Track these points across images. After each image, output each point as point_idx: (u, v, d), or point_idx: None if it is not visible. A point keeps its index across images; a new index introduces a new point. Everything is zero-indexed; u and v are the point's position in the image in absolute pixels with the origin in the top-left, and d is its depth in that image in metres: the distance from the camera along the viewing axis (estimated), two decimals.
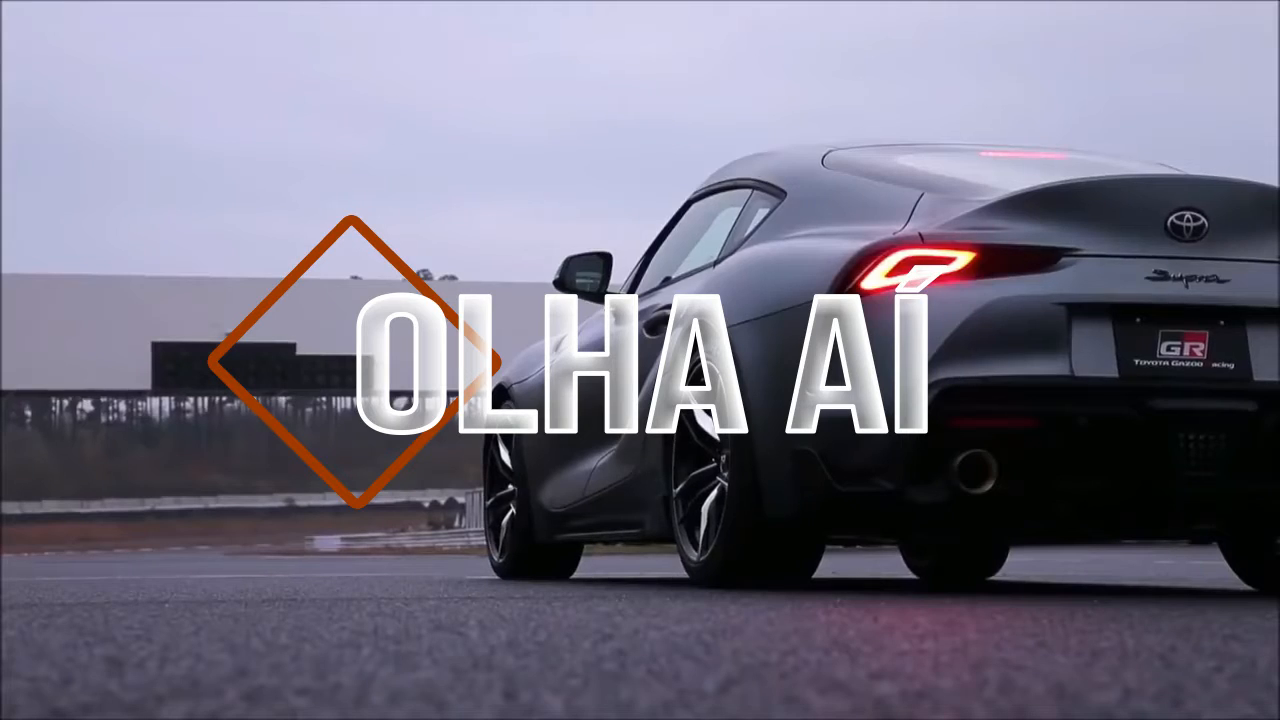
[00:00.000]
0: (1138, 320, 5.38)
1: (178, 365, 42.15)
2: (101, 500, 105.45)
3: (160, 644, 3.26)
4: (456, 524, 61.42)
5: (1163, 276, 5.38)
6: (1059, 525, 6.26)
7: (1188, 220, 5.39)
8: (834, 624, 3.80)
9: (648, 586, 6.53)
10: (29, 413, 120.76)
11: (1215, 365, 5.40)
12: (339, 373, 42.87)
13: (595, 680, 2.46)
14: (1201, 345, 5.41)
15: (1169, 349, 5.40)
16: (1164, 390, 5.34)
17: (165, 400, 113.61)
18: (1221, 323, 5.42)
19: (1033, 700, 2.23)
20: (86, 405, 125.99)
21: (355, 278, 63.00)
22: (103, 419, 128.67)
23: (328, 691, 2.33)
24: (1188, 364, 5.39)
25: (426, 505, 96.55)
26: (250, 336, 42.02)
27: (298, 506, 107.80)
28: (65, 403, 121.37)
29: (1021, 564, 14.35)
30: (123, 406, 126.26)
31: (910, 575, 8.17)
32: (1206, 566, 13.44)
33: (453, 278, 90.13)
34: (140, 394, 60.30)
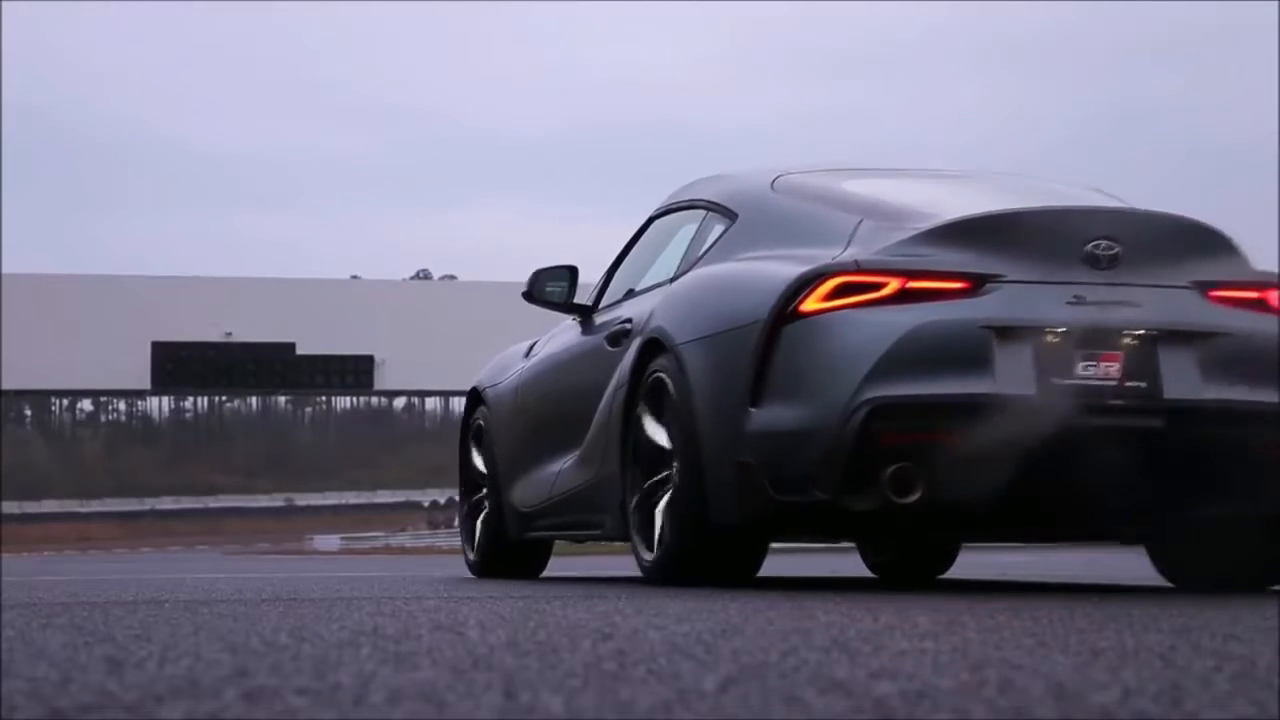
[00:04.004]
0: (1056, 342, 5.72)
1: (177, 365, 42.15)
2: (101, 500, 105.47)
3: (160, 644, 3.26)
4: (456, 524, 61.40)
5: (1080, 301, 5.75)
6: (983, 532, 7.20)
7: (1103, 249, 5.79)
8: (834, 624, 3.81)
9: (620, 585, 6.56)
10: (29, 412, 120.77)
11: (1128, 384, 5.77)
12: (339, 373, 42.87)
13: (595, 680, 2.46)
14: (1115, 365, 5.77)
15: (1085, 369, 5.75)
16: (1080, 407, 5.67)
17: (165, 400, 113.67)
18: (1134, 344, 5.77)
19: (1033, 700, 2.23)
20: (86, 405, 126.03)
21: (355, 277, 63.06)
22: (102, 419, 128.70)
23: (327, 691, 2.33)
24: (1102, 383, 5.75)
25: (426, 505, 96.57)
26: (250, 336, 42.10)
27: (297, 506, 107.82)
28: (65, 402, 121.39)
29: (1021, 564, 14.36)
30: (122, 406, 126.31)
31: (869, 574, 8.57)
32: None
33: (452, 277, 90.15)
34: (140, 394, 60.28)
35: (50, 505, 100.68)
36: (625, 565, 9.72)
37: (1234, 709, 2.16)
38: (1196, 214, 6.15)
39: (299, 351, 41.98)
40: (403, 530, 68.26)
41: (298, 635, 3.48)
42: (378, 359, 41.84)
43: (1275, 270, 6.14)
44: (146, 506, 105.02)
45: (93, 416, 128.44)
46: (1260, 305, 5.97)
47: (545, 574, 8.51)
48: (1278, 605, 4.85)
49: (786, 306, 5.80)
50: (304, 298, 43.02)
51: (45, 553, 49.93)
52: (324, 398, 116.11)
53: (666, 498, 6.26)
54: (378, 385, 43.97)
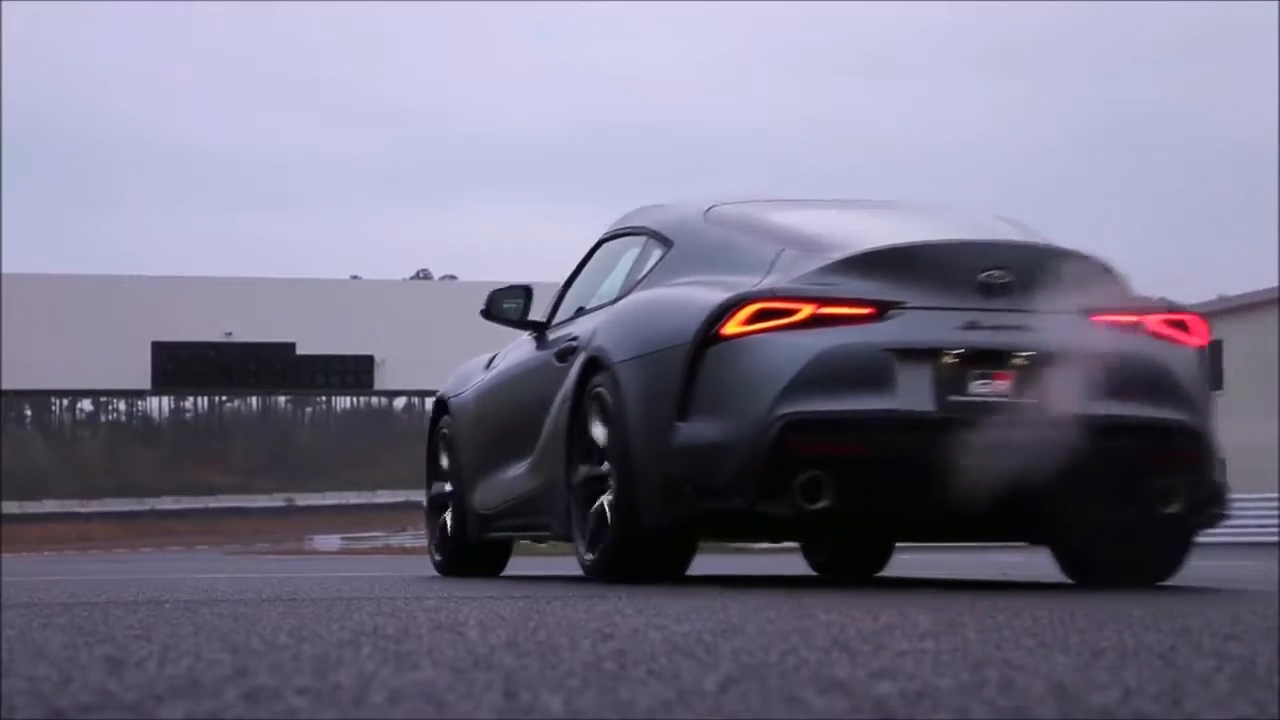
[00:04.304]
0: (953, 363, 6.34)
1: (178, 365, 42.14)
2: (101, 500, 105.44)
3: (160, 643, 3.26)
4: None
5: (974, 326, 6.37)
6: (888, 534, 8.08)
7: (995, 278, 6.40)
8: (834, 624, 3.81)
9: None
10: (29, 412, 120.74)
11: (1017, 400, 6.35)
12: (339, 373, 42.85)
13: (595, 680, 2.46)
14: (1006, 383, 6.39)
15: (979, 387, 6.38)
16: (973, 423, 6.25)
17: (165, 400, 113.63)
18: (1024, 364, 6.38)
19: (1033, 700, 2.23)
20: (86, 405, 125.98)
21: (355, 277, 63.06)
22: (102, 418, 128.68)
23: (327, 691, 2.33)
24: (994, 399, 6.36)
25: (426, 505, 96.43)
26: (250, 336, 42.11)
27: (297, 506, 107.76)
28: (65, 402, 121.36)
29: (1020, 563, 14.35)
30: (122, 406, 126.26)
31: (810, 571, 9.20)
32: (1205, 567, 13.43)
33: (452, 277, 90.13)
34: (140, 394, 60.25)
35: (50, 505, 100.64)
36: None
37: (1234, 709, 2.16)
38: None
39: (299, 351, 41.97)
40: (403, 530, 68.23)
41: (298, 635, 3.48)
42: (378, 359, 41.84)
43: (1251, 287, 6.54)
44: (146, 506, 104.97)
45: (93, 416, 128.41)
46: (1138, 328, 6.63)
47: (504, 572, 9.02)
48: (1278, 605, 4.86)
49: (710, 330, 6.41)
50: (304, 298, 43.01)
51: (45, 553, 49.92)
52: (324, 398, 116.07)
53: (604, 503, 6.84)
54: (378, 385, 43.96)
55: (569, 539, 7.28)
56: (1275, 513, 30.54)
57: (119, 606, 4.99)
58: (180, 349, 41.86)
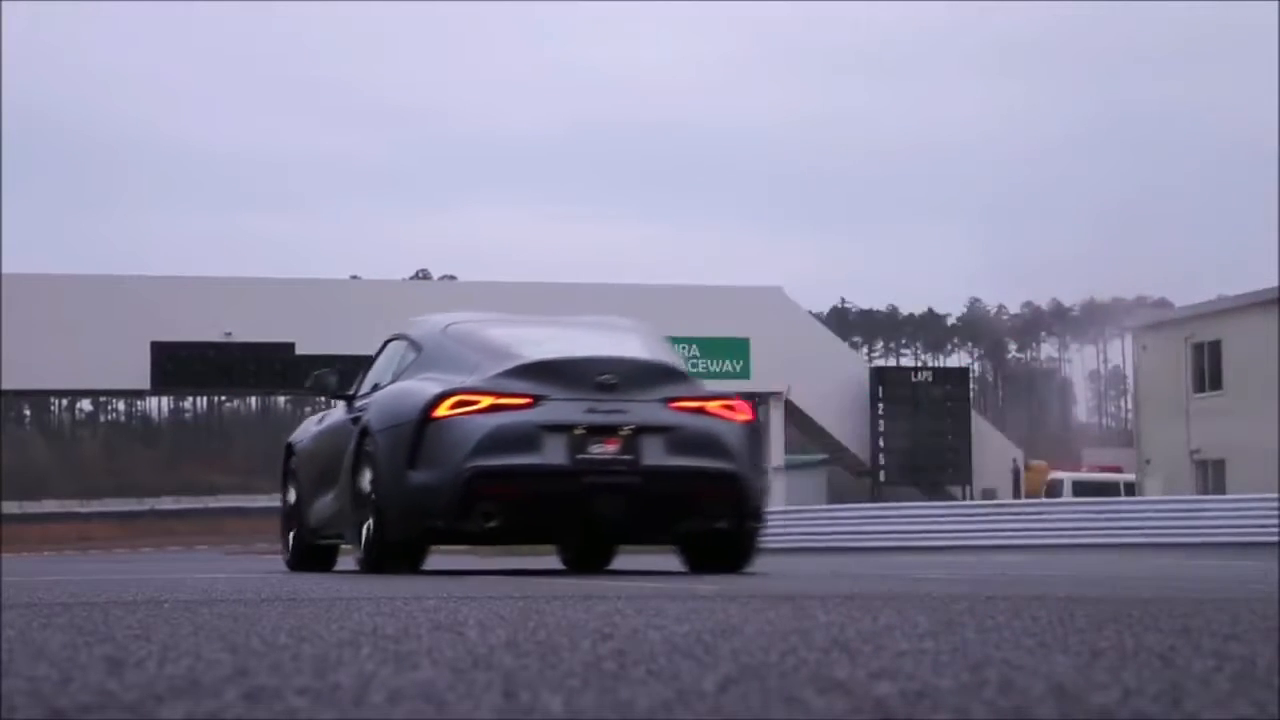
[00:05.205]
0: (580, 434, 9.94)
1: (177, 365, 42.12)
2: (101, 500, 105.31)
3: (160, 643, 3.26)
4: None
5: (593, 410, 9.98)
6: (537, 544, 12.93)
7: (606, 380, 10.07)
8: (834, 624, 3.80)
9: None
10: (28, 412, 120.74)
11: (621, 458, 9.99)
12: (339, 373, 42.72)
13: (595, 680, 2.46)
14: (614, 447, 9.99)
15: (596, 450, 9.95)
16: (592, 472, 9.92)
17: (164, 400, 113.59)
18: (626, 435, 10.00)
19: (1032, 700, 2.23)
20: (86, 405, 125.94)
21: (355, 277, 63.01)
22: (102, 418, 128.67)
23: (327, 691, 2.33)
24: (606, 457, 9.96)
25: None
26: (250, 336, 42.10)
27: None
28: (64, 402, 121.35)
29: (1020, 564, 14.35)
30: (122, 406, 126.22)
31: (562, 566, 12.47)
32: (1204, 567, 13.44)
33: (452, 277, 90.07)
34: (140, 394, 60.19)
35: (50, 505, 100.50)
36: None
37: (1234, 709, 2.16)
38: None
39: (299, 351, 41.94)
40: None
41: (298, 635, 3.48)
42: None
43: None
44: (146, 506, 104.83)
45: (92, 416, 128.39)
46: (700, 411, 10.21)
47: (425, 568, 10.84)
48: (1278, 605, 4.85)
49: (428, 412, 9.96)
50: (304, 298, 43.02)
51: (45, 553, 49.87)
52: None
53: (369, 523, 10.33)
54: None
55: (356, 544, 10.62)
56: (1275, 513, 30.56)
57: (119, 606, 4.99)
58: (180, 349, 41.85)
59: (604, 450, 9.87)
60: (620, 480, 9.87)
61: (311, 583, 8.00)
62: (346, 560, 11.91)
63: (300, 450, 12.27)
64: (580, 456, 9.81)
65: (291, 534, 12.25)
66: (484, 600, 5.32)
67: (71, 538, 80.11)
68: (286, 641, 3.29)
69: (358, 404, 11.14)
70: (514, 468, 9.75)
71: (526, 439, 9.76)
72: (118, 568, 15.96)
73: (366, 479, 10.30)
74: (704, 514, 10.11)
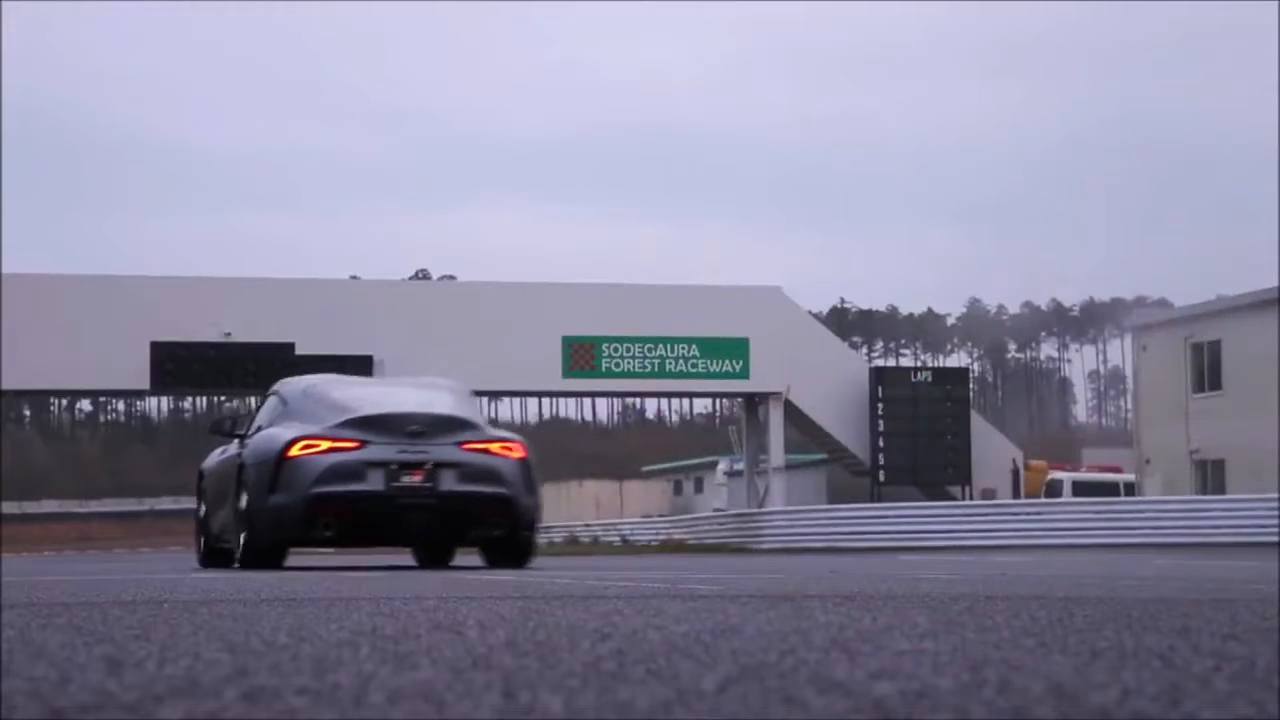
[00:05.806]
0: (393, 468, 13.87)
1: (177, 365, 42.09)
2: (101, 500, 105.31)
3: (159, 644, 3.26)
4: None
5: (404, 451, 13.91)
6: (366, 548, 17.68)
7: (415, 429, 13.99)
8: (833, 624, 3.80)
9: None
10: (28, 412, 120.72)
11: (424, 485, 13.92)
12: (338, 373, 42.67)
13: (594, 680, 2.46)
14: (419, 478, 13.90)
15: (406, 480, 13.89)
16: (403, 496, 13.86)
17: (164, 400, 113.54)
18: (429, 468, 13.92)
19: (1032, 700, 2.23)
20: (86, 405, 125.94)
21: (355, 277, 62.99)
22: (101, 419, 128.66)
23: (327, 691, 2.33)
24: (415, 485, 13.90)
25: None
26: (250, 336, 42.10)
27: None
28: (64, 402, 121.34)
29: (1020, 564, 14.34)
30: (121, 406, 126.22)
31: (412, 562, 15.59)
32: (1204, 567, 13.44)
33: (452, 277, 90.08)
34: (139, 394, 60.19)
35: (50, 505, 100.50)
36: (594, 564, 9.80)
37: (1233, 709, 2.16)
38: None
39: (298, 351, 41.88)
40: None
41: (297, 635, 3.48)
42: (377, 359, 41.77)
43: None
44: (146, 506, 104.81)
45: (92, 416, 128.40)
46: (485, 451, 14.10)
47: (344, 563, 13.52)
48: (1278, 605, 4.85)
49: (283, 453, 13.82)
50: (304, 298, 42.99)
51: (45, 553, 49.87)
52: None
53: (245, 532, 14.09)
54: None
55: (236, 548, 14.28)
56: (1275, 513, 30.58)
57: (119, 606, 4.99)
58: (179, 349, 41.82)
59: (412, 480, 13.86)
60: (424, 502, 13.86)
61: (310, 583, 7.99)
62: (295, 559, 15.06)
63: (207, 474, 16.27)
64: (394, 485, 13.85)
65: (202, 539, 16.11)
66: (484, 600, 5.32)
67: (71, 538, 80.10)
68: (286, 641, 3.29)
69: (245, 442, 14.78)
70: (345, 493, 13.72)
71: (355, 472, 13.80)
72: (118, 568, 15.96)
73: (243, 500, 14.14)
74: (487, 525, 14.10)
